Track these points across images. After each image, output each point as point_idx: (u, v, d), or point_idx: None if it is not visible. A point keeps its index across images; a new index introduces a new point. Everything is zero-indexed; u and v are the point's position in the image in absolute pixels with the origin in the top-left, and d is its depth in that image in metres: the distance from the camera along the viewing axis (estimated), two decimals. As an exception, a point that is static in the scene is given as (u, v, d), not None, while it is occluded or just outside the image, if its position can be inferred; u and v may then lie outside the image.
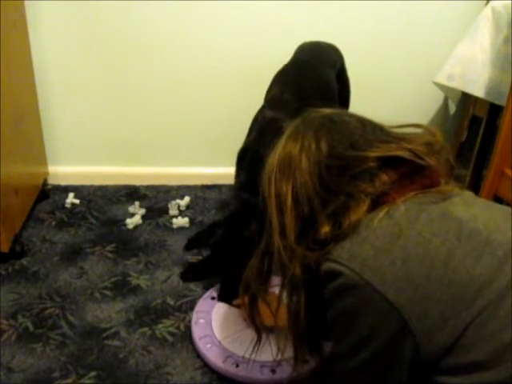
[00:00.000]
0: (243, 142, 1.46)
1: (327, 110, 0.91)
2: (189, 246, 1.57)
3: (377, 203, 0.78)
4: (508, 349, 0.65)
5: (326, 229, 0.79)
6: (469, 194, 0.85)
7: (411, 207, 0.76)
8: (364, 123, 0.86)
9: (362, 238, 0.74)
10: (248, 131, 1.47)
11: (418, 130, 0.89)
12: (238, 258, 1.25)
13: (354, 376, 0.78)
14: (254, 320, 1.01)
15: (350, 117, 0.88)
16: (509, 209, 0.82)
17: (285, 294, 0.87)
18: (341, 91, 1.71)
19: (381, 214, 0.75)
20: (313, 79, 1.57)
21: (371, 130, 0.85)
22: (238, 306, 1.39)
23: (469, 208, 0.78)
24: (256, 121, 1.48)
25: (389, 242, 0.72)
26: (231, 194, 1.55)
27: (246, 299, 0.99)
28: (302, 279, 0.81)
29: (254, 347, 1.04)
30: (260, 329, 1.03)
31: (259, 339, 1.04)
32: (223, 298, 1.42)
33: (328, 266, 0.75)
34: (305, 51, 1.72)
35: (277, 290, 0.90)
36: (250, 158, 1.40)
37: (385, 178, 0.79)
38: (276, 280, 0.91)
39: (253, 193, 1.31)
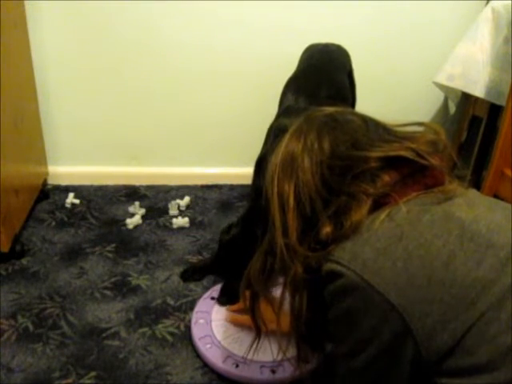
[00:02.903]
0: (261, 150, 1.47)
1: (330, 109, 0.90)
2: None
3: (378, 204, 0.77)
4: (510, 351, 0.65)
5: (327, 229, 0.78)
6: (472, 193, 0.84)
7: (413, 208, 0.75)
8: (367, 122, 0.86)
9: (364, 239, 0.74)
10: (264, 139, 1.48)
11: (422, 129, 0.89)
12: (247, 260, 1.26)
13: (354, 377, 0.78)
14: (254, 318, 1.01)
15: (353, 115, 0.88)
16: None
17: (287, 294, 0.87)
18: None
19: (382, 215, 0.75)
20: (327, 86, 1.57)
21: (374, 129, 0.84)
22: (235, 311, 1.39)
23: (471, 209, 0.77)
24: (271, 129, 1.49)
25: (390, 243, 0.72)
26: (246, 199, 1.54)
27: (248, 297, 0.99)
28: (304, 279, 0.81)
29: (252, 345, 1.04)
30: (260, 327, 1.03)
31: (258, 337, 1.04)
32: (223, 302, 1.43)
33: (329, 266, 0.75)
34: (315, 56, 1.71)
35: (279, 289, 0.90)
36: (265, 164, 1.40)
37: (387, 178, 0.79)
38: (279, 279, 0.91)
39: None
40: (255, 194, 1.42)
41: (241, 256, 1.33)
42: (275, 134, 1.44)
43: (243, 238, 1.38)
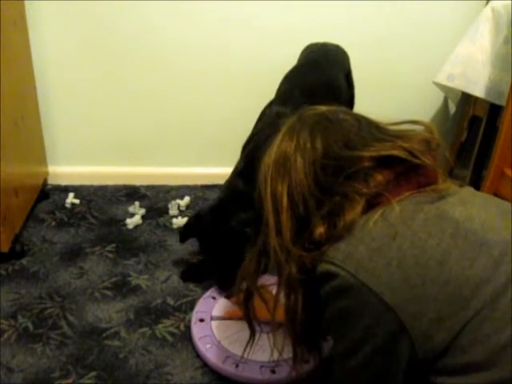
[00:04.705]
0: (250, 133, 1.48)
1: (323, 108, 0.90)
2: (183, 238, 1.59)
3: (372, 204, 0.77)
4: (504, 349, 0.65)
5: (320, 230, 0.78)
6: (467, 191, 0.84)
7: (406, 208, 0.75)
8: (360, 121, 0.86)
9: (358, 239, 0.74)
10: (255, 123, 1.50)
11: (415, 127, 0.89)
12: (226, 248, 1.26)
13: (351, 376, 0.78)
14: (248, 317, 1.01)
15: (346, 114, 0.88)
16: (508, 204, 0.81)
17: (282, 294, 0.86)
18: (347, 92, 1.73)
19: (376, 215, 0.75)
20: (322, 78, 1.59)
21: (367, 129, 0.84)
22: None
23: (465, 207, 0.77)
24: (263, 114, 1.52)
25: (384, 243, 0.72)
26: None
27: (242, 296, 0.99)
28: (298, 279, 0.81)
29: (248, 344, 1.04)
30: (254, 326, 1.03)
31: (253, 336, 1.04)
32: (223, 286, 1.45)
33: (324, 267, 0.75)
34: (313, 52, 1.73)
35: (274, 289, 0.90)
36: (251, 148, 1.43)
37: (379, 178, 0.79)
38: (272, 279, 0.91)
39: (246, 181, 1.35)
40: (234, 177, 1.44)
41: (219, 247, 1.35)
42: (266, 118, 1.47)
43: (217, 228, 1.39)
